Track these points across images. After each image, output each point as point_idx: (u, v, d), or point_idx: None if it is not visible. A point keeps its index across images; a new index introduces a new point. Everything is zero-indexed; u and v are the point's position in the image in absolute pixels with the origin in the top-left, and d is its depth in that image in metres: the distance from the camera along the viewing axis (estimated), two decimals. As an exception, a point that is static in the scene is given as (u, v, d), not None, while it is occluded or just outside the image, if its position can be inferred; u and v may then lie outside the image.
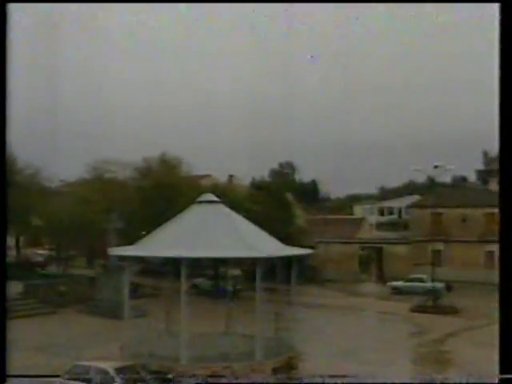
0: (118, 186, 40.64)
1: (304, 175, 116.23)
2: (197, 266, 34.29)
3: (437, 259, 45.77)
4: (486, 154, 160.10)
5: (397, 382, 17.12)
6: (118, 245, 26.16)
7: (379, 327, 30.70)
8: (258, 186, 57.86)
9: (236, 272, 37.51)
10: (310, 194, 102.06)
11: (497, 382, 8.62)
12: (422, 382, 17.54)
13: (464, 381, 15.52)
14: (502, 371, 8.06)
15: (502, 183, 8.95)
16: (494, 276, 53.75)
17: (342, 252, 51.28)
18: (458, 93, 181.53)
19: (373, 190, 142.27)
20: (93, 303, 32.25)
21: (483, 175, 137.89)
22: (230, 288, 31.90)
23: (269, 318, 20.99)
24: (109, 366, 16.05)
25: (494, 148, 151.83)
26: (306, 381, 16.11)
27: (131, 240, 23.65)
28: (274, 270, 22.58)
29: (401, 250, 51.04)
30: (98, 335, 25.49)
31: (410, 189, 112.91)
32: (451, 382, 16.00)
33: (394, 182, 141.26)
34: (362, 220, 70.11)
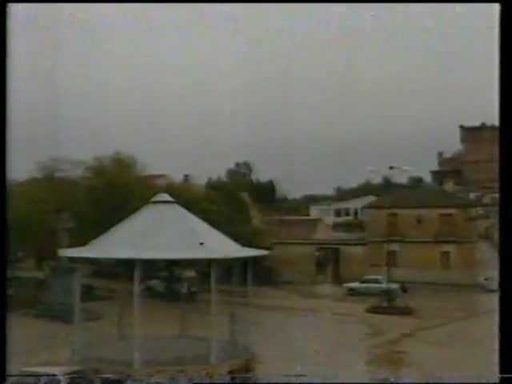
0: (69, 185, 39.90)
1: (261, 175, 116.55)
2: (151, 267, 34.03)
3: (392, 260, 46.65)
4: (441, 154, 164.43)
5: (396, 382, 17.48)
6: (69, 246, 25.69)
7: (335, 329, 31.07)
8: (213, 186, 57.77)
9: (191, 274, 37.36)
10: (266, 194, 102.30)
11: (497, 381, 8.86)
12: (422, 382, 17.85)
13: (464, 381, 15.81)
14: (502, 371, 8.25)
15: (502, 183, 9.18)
16: (449, 276, 55.13)
17: (299, 253, 51.66)
18: (413, 94, 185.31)
19: (329, 190, 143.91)
20: (42, 306, 31.53)
21: (438, 176, 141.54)
22: (184, 290, 31.75)
23: (224, 321, 20.98)
24: (58, 372, 15.75)
25: (449, 149, 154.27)
26: (306, 381, 16.24)
27: (83, 241, 23.24)
28: (230, 271, 22.60)
29: (357, 250, 51.77)
30: (48, 340, 24.96)
31: (366, 190, 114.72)
32: (451, 382, 16.32)
33: (351, 182, 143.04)
34: (318, 221, 70.62)
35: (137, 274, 18.38)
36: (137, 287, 18.56)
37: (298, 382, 15.99)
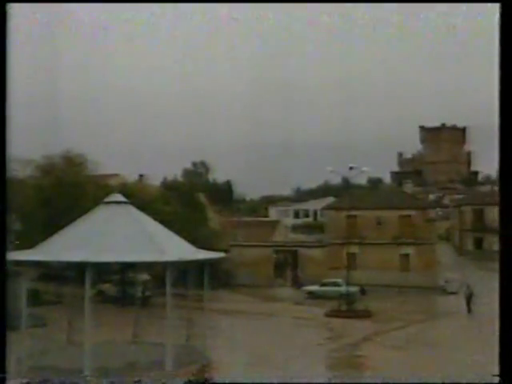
0: (17, 184, 39.00)
1: (218, 175, 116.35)
2: (103, 270, 33.56)
3: (352, 262, 47.23)
4: (400, 155, 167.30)
5: (396, 382, 17.70)
6: (15, 248, 25.10)
7: (294, 333, 31.23)
8: (169, 186, 57.46)
9: (145, 277, 37.02)
10: (224, 194, 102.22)
11: (497, 382, 9.19)
12: (422, 381, 18.13)
13: (464, 381, 16.10)
14: (501, 371, 8.50)
15: (502, 183, 9.40)
16: (409, 278, 56.00)
17: (257, 255, 51.75)
18: (374, 95, 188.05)
19: (288, 191, 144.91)
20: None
21: (398, 177, 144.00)
22: (138, 294, 31.43)
23: (180, 325, 20.88)
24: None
25: (409, 150, 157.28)
26: (306, 381, 16.27)
27: (30, 243, 22.76)
28: (186, 274, 22.49)
29: (316, 253, 52.18)
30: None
31: (325, 191, 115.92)
32: (451, 382, 16.60)
33: (310, 183, 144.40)
34: (276, 222, 71.06)
35: (88, 278, 18.11)
36: (88, 291, 18.30)
37: (298, 382, 16.12)
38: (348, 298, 36.82)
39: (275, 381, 17.01)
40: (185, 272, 22.27)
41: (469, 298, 36.30)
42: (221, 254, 23.70)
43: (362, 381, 17.46)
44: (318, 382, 16.54)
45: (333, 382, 16.10)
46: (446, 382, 15.97)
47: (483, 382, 14.68)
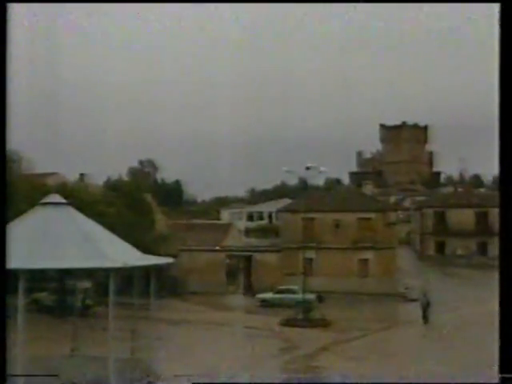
0: None
1: (167, 175, 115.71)
2: (39, 278, 32.84)
3: (309, 268, 47.47)
4: (360, 154, 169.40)
5: (397, 382, 18.01)
6: None
7: (246, 343, 31.26)
8: (113, 187, 56.69)
9: (86, 285, 36.42)
10: (173, 195, 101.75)
11: (497, 381, 9.62)
12: (421, 381, 18.55)
13: (464, 381, 16.61)
14: (501, 371, 8.81)
15: (502, 182, 9.69)
16: (368, 285, 56.67)
17: (208, 261, 51.62)
18: (332, 94, 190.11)
19: (242, 192, 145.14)
20: None
21: (357, 178, 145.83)
22: (77, 303, 30.89)
23: (124, 337, 20.59)
24: None
25: (368, 149, 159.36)
26: (306, 381, 16.21)
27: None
28: (131, 281, 22.19)
29: (271, 258, 52.35)
30: None
31: (281, 192, 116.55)
32: (451, 382, 17.06)
33: (265, 184, 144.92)
34: (229, 226, 70.92)
35: (21, 286, 17.65)
36: (21, 301, 17.82)
37: (298, 382, 16.05)
38: (304, 306, 37.03)
39: (275, 381, 17.02)
40: (130, 279, 21.98)
41: (425, 308, 35.84)
42: (169, 260, 23.50)
43: (363, 381, 17.77)
44: (318, 381, 16.63)
45: (333, 382, 16.34)
46: (445, 382, 16.48)
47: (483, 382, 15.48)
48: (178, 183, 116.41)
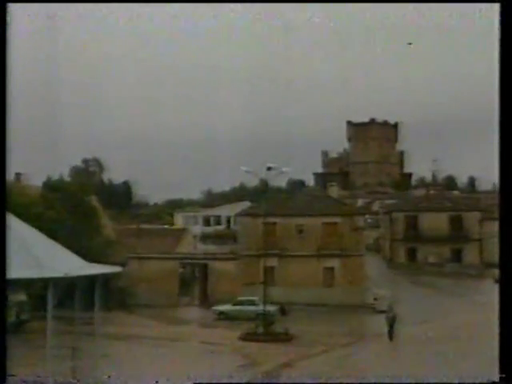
0: None
1: (114, 175, 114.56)
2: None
3: (270, 277, 47.48)
4: (326, 154, 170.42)
5: (398, 382, 18.65)
6: None
7: (201, 360, 31.07)
8: (53, 187, 55.85)
9: (21, 297, 35.73)
10: (121, 197, 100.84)
11: (497, 381, 10.11)
12: (421, 382, 19.17)
13: (464, 381, 17.42)
14: (501, 371, 9.15)
15: (502, 182, 10.10)
16: (333, 296, 56.85)
17: (160, 270, 51.20)
18: (296, 90, 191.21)
19: (197, 194, 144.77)
20: None
21: (322, 179, 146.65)
22: (11, 318, 30.26)
23: (64, 355, 20.26)
24: None
25: (335, 149, 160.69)
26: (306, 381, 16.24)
27: None
28: (73, 293, 21.87)
29: (229, 266, 52.22)
30: None
31: (240, 194, 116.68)
32: (451, 382, 17.72)
33: (223, 185, 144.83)
34: (183, 231, 70.70)
35: None
36: None
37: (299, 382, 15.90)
38: (266, 318, 37.01)
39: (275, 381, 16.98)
40: (71, 290, 21.66)
41: (391, 322, 35.07)
42: (116, 269, 23.28)
43: (362, 381, 18.01)
44: (318, 381, 16.73)
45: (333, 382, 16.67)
46: (446, 382, 17.03)
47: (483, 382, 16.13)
48: (126, 184, 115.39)
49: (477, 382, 17.83)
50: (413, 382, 19.83)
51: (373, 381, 19.81)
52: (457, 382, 18.14)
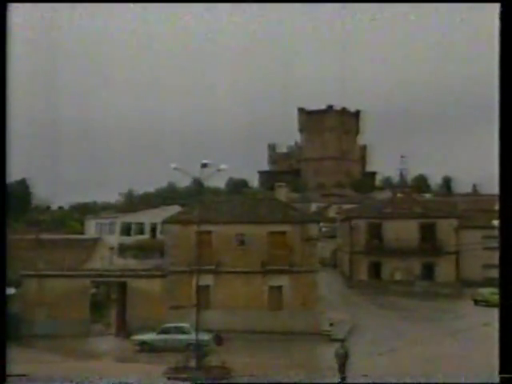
0: None
1: (9, 172, 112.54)
2: None
3: (204, 299, 47.36)
4: (273, 148, 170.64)
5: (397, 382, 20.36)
6: None
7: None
8: None
9: None
10: (16, 200, 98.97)
11: (497, 381, 10.90)
12: (421, 382, 21.30)
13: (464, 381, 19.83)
14: (501, 371, 9.85)
15: (502, 182, 10.74)
16: (281, 321, 57.06)
17: (65, 290, 50.51)
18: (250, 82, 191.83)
19: (114, 196, 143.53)
20: None
21: (269, 178, 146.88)
22: None
23: None
24: None
25: (284, 142, 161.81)
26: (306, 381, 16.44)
27: None
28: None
29: (154, 286, 51.85)
30: None
31: (168, 196, 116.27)
32: (451, 382, 19.80)
33: (147, 186, 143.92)
34: (96, 241, 69.96)
35: None
36: None
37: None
38: (198, 349, 36.91)
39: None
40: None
41: (343, 361, 33.52)
42: (8, 290, 22.77)
43: (362, 381, 18.48)
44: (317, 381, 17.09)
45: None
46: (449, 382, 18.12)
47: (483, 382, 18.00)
48: (23, 184, 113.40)
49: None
50: (413, 382, 20.69)
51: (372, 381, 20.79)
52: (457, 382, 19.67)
